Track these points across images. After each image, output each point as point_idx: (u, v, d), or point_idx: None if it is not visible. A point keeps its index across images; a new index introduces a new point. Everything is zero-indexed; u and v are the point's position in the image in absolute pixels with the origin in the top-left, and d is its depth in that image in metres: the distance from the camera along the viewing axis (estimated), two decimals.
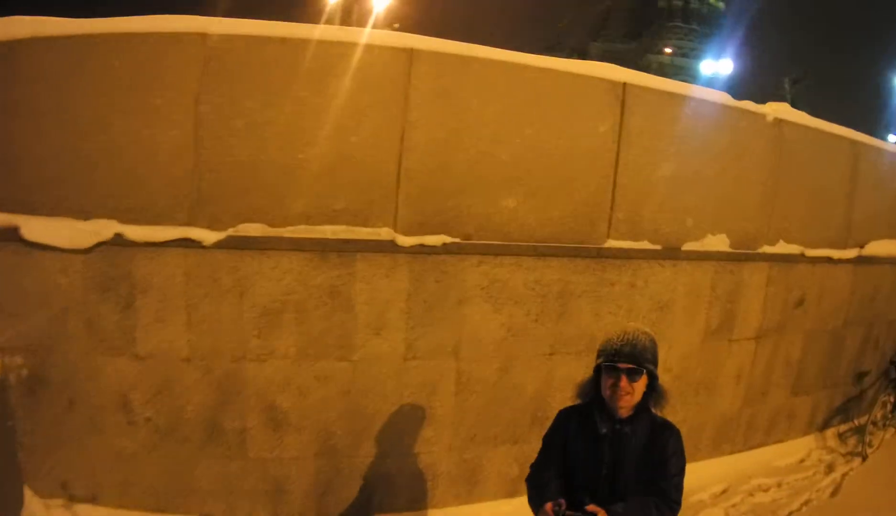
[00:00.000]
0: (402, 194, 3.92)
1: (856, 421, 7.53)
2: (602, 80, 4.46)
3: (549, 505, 2.69)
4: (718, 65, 32.42)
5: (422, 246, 3.98)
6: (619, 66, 4.73)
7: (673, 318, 5.11)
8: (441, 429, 4.40)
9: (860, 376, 7.37)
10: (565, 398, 4.61)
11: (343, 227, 3.81)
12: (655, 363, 2.80)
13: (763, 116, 5.38)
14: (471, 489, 4.65)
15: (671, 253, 4.89)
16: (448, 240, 4.03)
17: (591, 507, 2.64)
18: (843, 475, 6.42)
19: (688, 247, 4.98)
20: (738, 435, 6.07)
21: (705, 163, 5.00)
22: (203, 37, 3.54)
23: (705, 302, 5.28)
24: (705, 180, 5.01)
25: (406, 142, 3.86)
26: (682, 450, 2.87)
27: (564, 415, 2.98)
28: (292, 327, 3.87)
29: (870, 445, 6.95)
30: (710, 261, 5.19)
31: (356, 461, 4.25)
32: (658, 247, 4.80)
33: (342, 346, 3.98)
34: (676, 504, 2.84)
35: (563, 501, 2.67)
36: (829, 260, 6.20)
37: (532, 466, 3.02)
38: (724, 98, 5.20)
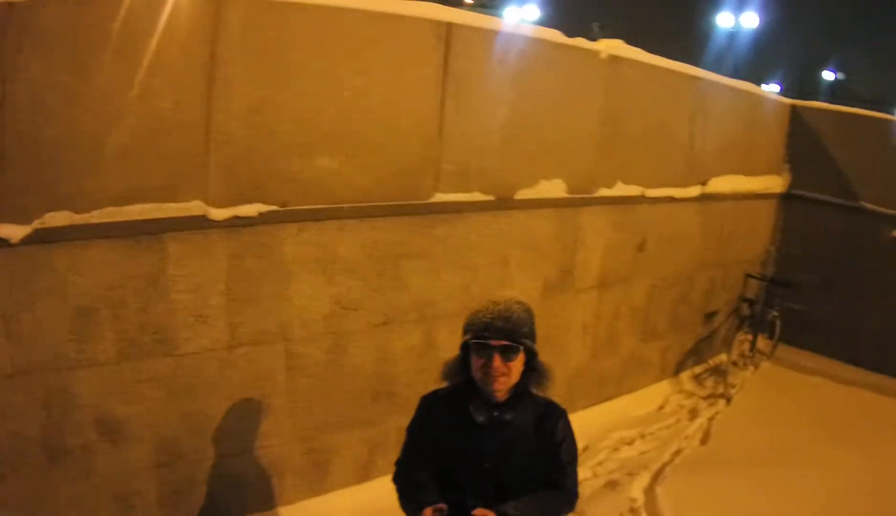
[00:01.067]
0: (214, 162, 3.81)
1: (710, 362, 8.23)
2: (425, 20, 4.52)
3: (427, 512, 2.56)
4: (523, 11, 33.80)
5: (236, 218, 3.90)
6: (443, 6, 4.80)
7: (513, 273, 5.35)
8: (280, 420, 4.43)
9: (710, 316, 8.02)
10: (408, 371, 4.85)
11: (152, 206, 3.66)
12: (533, 337, 2.72)
13: (597, 53, 5.64)
14: (322, 478, 4.73)
15: (505, 203, 5.10)
16: (264, 208, 3.98)
17: (478, 512, 2.54)
18: (710, 419, 6.94)
19: (521, 195, 5.21)
20: (590, 388, 6.47)
21: (537, 105, 5.20)
22: (9, 6, 3.28)
23: (544, 252, 5.57)
24: (537, 123, 5.22)
25: (215, 102, 3.75)
26: (573, 433, 2.85)
27: (429, 402, 2.87)
28: (108, 326, 3.71)
29: (732, 386, 7.59)
30: (547, 209, 5.46)
31: (202, 465, 4.21)
32: (491, 197, 4.98)
33: (164, 341, 3.88)
34: (574, 495, 2.82)
35: (443, 506, 2.56)
36: (671, 199, 6.67)
37: (398, 463, 2.90)
38: (556, 35, 5.40)
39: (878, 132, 8.52)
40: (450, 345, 4.87)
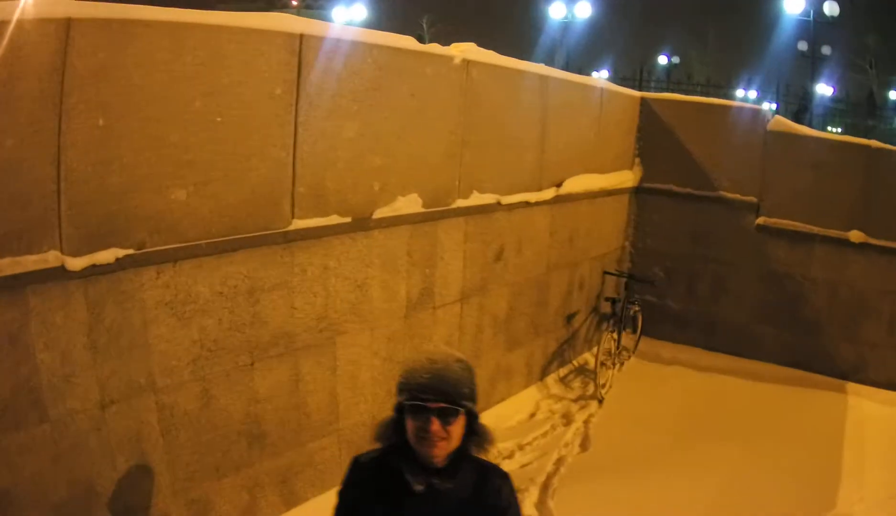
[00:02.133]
0: (65, 204, 3.86)
1: (574, 363, 8.93)
2: (278, 32, 4.68)
3: None
4: (351, 12, 34.74)
5: (94, 266, 3.98)
6: (296, 16, 5.00)
7: (372, 295, 5.69)
8: (159, 476, 4.54)
9: (570, 317, 8.71)
10: (278, 408, 5.10)
11: (7, 260, 3.67)
12: (474, 398, 2.68)
13: (450, 59, 6.01)
14: None
15: (362, 223, 5.43)
16: (121, 253, 4.08)
17: None
18: (585, 422, 7.59)
19: (379, 214, 5.54)
20: None
21: (389, 117, 5.51)
22: None
23: (403, 271, 5.95)
24: (389, 136, 5.54)
25: (64, 136, 3.79)
26: (517, 499, 2.86)
27: (361, 465, 2.80)
28: None
29: (602, 386, 8.30)
30: (405, 226, 5.83)
31: None
32: (348, 219, 5.28)
33: (35, 405, 3.90)
34: None
35: None
36: (526, 204, 7.25)
37: None
38: (410, 42, 5.69)
39: (723, 119, 9.54)
40: (315, 377, 5.33)
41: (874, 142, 9.17)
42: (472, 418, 2.67)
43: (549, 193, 7.62)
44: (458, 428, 2.61)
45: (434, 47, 6.04)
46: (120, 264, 4.12)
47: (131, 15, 4.01)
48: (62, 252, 3.88)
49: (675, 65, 50.75)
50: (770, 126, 9.26)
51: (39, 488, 3.98)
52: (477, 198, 6.58)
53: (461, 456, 2.68)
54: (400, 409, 2.65)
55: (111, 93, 3.95)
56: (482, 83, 6.40)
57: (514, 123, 7.02)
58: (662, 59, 50.79)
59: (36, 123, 3.71)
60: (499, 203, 6.87)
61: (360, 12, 34.92)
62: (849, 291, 9.03)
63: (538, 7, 35.57)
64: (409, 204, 5.84)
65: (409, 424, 2.60)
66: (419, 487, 2.62)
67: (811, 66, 37.96)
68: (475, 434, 2.69)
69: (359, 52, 5.26)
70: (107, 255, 4.05)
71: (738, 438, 7.49)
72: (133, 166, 4.11)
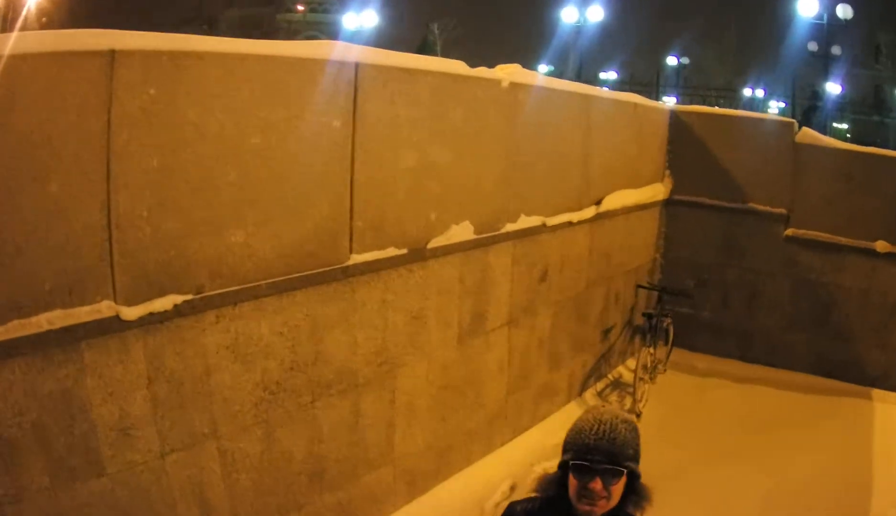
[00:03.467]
0: (118, 251, 3.53)
1: (609, 377, 8.59)
2: (332, 61, 4.38)
3: None
4: (361, 18, 34.52)
5: (151, 315, 3.67)
6: (350, 43, 4.70)
7: (429, 326, 5.40)
8: None
9: (606, 332, 8.36)
10: (339, 446, 4.81)
11: (58, 312, 3.34)
12: (637, 459, 2.67)
13: (498, 82, 5.71)
14: None
15: (418, 254, 5.12)
16: (179, 299, 3.77)
17: None
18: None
19: (434, 243, 5.24)
20: (506, 425, 6.62)
21: (443, 145, 5.23)
22: None
23: (456, 299, 5.65)
24: (443, 165, 5.26)
25: (114, 179, 3.44)
26: None
27: (517, 514, 2.87)
28: (32, 453, 3.39)
29: (640, 401, 7.95)
30: (458, 254, 5.53)
31: None
32: (405, 250, 4.98)
33: (92, 462, 3.60)
34: None
35: None
36: (569, 224, 6.90)
37: None
38: (460, 67, 5.40)
39: (751, 131, 9.25)
40: (375, 411, 5.02)
41: None
42: (633, 478, 2.64)
43: (589, 212, 7.29)
44: (619, 488, 2.59)
45: (482, 71, 5.70)
46: (178, 311, 3.80)
47: (181, 46, 3.68)
48: (116, 301, 3.55)
49: (685, 65, 50.29)
50: (798, 138, 8.95)
51: None
52: (524, 222, 6.25)
53: (617, 513, 2.64)
54: (564, 466, 2.65)
55: (163, 130, 3.61)
56: (528, 105, 6.09)
57: (559, 145, 6.71)
58: (671, 60, 50.31)
59: (82, 165, 3.36)
60: (544, 224, 6.54)
61: (371, 18, 34.65)
62: (881, 299, 8.73)
63: (550, 11, 35.42)
64: (463, 231, 5.52)
65: (572, 482, 2.60)
66: None
67: (823, 66, 37.87)
68: (634, 493, 2.67)
69: (413, 77, 4.96)
70: (164, 303, 3.72)
71: (772, 451, 7.28)
72: (189, 209, 3.78)
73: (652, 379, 8.55)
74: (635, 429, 2.70)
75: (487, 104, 5.66)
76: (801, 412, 8.28)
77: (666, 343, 8.98)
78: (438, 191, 5.24)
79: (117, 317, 3.54)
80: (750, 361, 9.30)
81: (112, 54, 3.36)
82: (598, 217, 7.46)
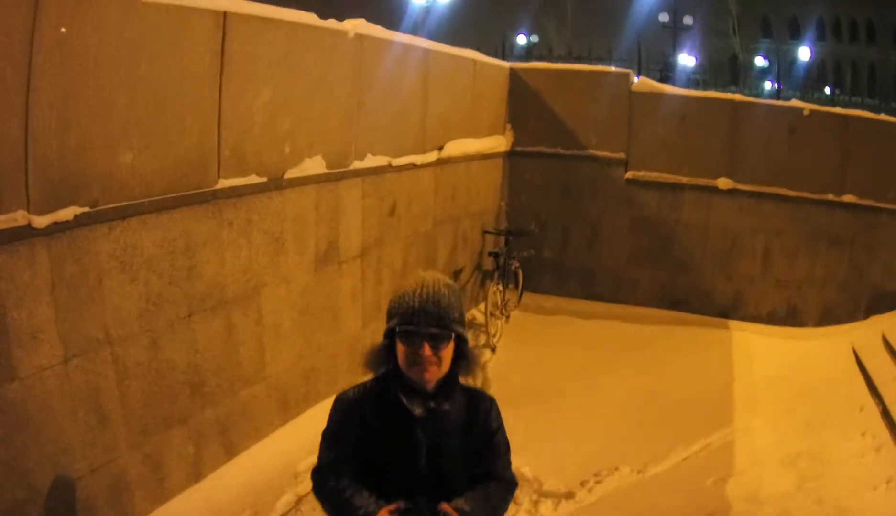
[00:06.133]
0: (33, 163, 4.07)
1: None
2: (206, 10, 5.18)
3: (383, 514, 2.65)
4: None
5: (55, 223, 4.23)
6: None
7: (287, 248, 6.30)
8: (116, 429, 4.86)
9: (456, 274, 9.54)
10: (215, 358, 5.61)
11: None
12: (463, 322, 2.73)
13: (345, 33, 6.70)
14: (160, 483, 5.25)
15: (277, 183, 6.03)
16: (79, 210, 4.36)
17: (443, 507, 2.67)
18: (482, 368, 8.39)
19: (290, 174, 6.17)
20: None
21: (295, 86, 6.15)
22: None
23: (312, 225, 6.59)
24: (297, 103, 6.18)
25: (33, 98, 4.03)
26: (502, 422, 2.95)
27: (351, 401, 2.86)
28: None
29: (494, 336, 9.18)
30: (312, 185, 6.49)
31: (61, 497, 4.49)
32: (265, 179, 5.88)
33: (4, 366, 4.07)
34: (514, 484, 2.99)
35: (400, 504, 2.68)
36: (413, 166, 8.06)
37: (318, 472, 2.87)
38: (312, 18, 6.31)
39: (589, 83, 10.63)
40: (244, 328, 5.93)
41: (738, 96, 10.38)
42: (460, 342, 2.75)
43: (432, 156, 8.50)
44: (448, 352, 2.69)
45: (331, 22, 6.66)
46: (77, 221, 4.40)
47: None
48: (29, 211, 4.11)
49: (535, 43, 52.76)
50: (634, 87, 10.34)
51: (6, 452, 4.19)
52: (371, 161, 7.31)
53: (451, 379, 2.77)
54: (390, 335, 2.71)
55: (71, 59, 4.25)
56: (372, 55, 7.15)
57: (401, 92, 7.81)
58: (521, 39, 52.69)
59: (6, 81, 3.93)
60: (390, 164, 7.63)
61: None
62: (721, 232, 10.19)
63: None
64: (315, 165, 6.48)
65: (401, 349, 2.66)
66: (419, 411, 2.71)
67: (673, 35, 40.01)
68: (464, 358, 2.78)
69: (271, 25, 5.85)
70: (67, 213, 4.32)
71: (629, 369, 8.53)
72: (87, 127, 4.43)
73: (506, 317, 9.77)
74: (458, 292, 2.76)
75: (334, 51, 6.64)
76: (653, 340, 9.64)
77: (516, 287, 10.27)
78: (291, 128, 6.16)
79: (29, 225, 4.09)
80: (595, 299, 10.68)
81: None
82: (441, 161, 8.67)
